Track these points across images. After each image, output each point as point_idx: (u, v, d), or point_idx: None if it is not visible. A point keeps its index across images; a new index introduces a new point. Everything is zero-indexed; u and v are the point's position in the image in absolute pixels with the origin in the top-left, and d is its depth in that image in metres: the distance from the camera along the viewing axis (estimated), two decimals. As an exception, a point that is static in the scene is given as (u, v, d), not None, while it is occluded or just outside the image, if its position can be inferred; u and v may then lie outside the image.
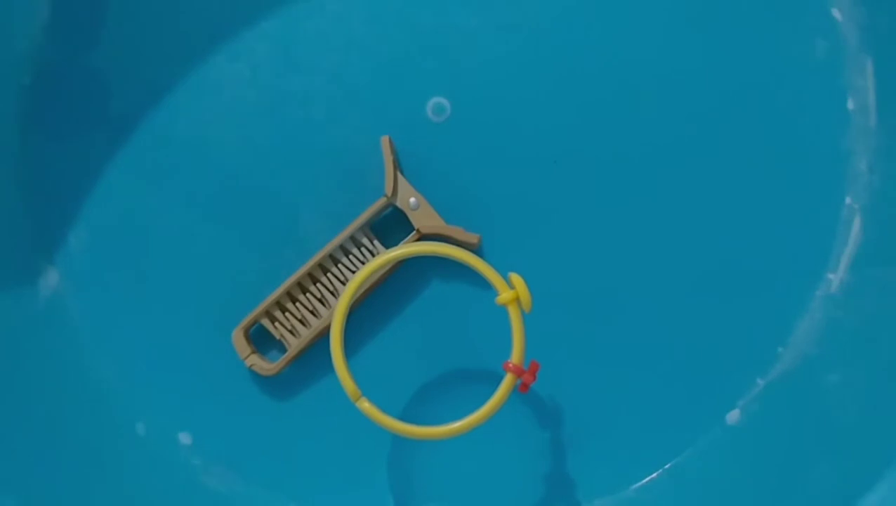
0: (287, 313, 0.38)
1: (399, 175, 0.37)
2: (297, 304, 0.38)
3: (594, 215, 0.38)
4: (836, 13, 0.38)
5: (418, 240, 0.37)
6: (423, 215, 0.37)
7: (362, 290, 0.37)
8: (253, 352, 0.38)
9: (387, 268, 0.37)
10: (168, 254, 0.38)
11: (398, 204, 0.37)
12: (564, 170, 0.38)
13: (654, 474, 0.38)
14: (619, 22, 0.38)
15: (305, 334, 0.38)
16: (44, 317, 0.38)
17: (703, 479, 0.38)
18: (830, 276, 0.38)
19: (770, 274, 0.38)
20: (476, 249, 0.38)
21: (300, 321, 0.38)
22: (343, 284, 0.38)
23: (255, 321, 0.38)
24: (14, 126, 0.38)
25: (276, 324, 0.38)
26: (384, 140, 0.38)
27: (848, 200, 0.38)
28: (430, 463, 0.38)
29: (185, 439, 0.38)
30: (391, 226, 0.38)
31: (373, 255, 0.38)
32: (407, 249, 0.35)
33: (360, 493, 0.38)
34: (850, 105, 0.38)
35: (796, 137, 0.38)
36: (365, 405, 0.35)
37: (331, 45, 0.39)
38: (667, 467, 0.38)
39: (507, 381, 0.34)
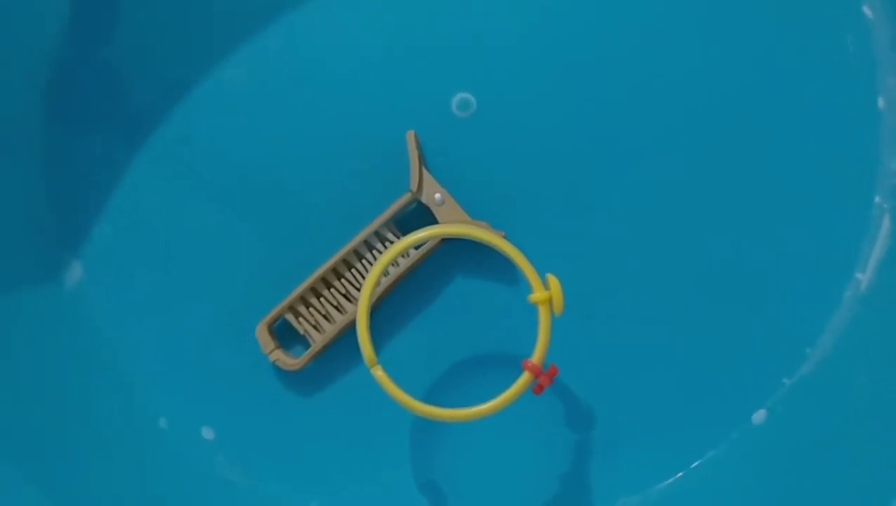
0: (311, 309, 0.38)
1: (424, 170, 0.38)
2: (322, 299, 0.38)
3: (621, 214, 0.39)
4: (867, 11, 0.38)
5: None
6: (448, 211, 0.38)
7: (392, 276, 0.38)
8: (277, 347, 0.38)
9: (426, 246, 0.38)
10: (190, 249, 0.39)
11: (423, 200, 0.38)
12: (591, 167, 0.39)
13: (680, 474, 0.38)
14: (648, 19, 0.39)
15: (329, 330, 0.38)
16: (68, 310, 0.39)
17: (728, 479, 0.38)
18: (859, 276, 0.38)
19: (798, 274, 0.38)
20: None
21: (324, 317, 0.38)
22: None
23: (279, 316, 0.38)
24: (39, 122, 0.39)
25: (300, 319, 0.38)
26: (410, 135, 0.38)
27: (877, 200, 0.38)
28: (453, 461, 0.39)
29: (207, 433, 0.39)
30: (415, 222, 0.38)
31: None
32: (451, 228, 0.35)
33: (383, 489, 0.39)
34: (881, 104, 0.38)
35: (826, 136, 0.38)
36: (378, 373, 0.35)
37: (356, 40, 0.39)
38: (693, 466, 0.38)
39: (524, 379, 0.35)
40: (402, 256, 0.38)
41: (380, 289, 0.38)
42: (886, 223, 0.38)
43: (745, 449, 0.38)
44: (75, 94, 0.39)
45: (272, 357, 0.38)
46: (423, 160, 0.38)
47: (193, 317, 0.39)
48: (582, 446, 0.38)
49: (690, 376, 0.38)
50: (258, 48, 0.39)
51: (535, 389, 0.35)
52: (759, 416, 0.38)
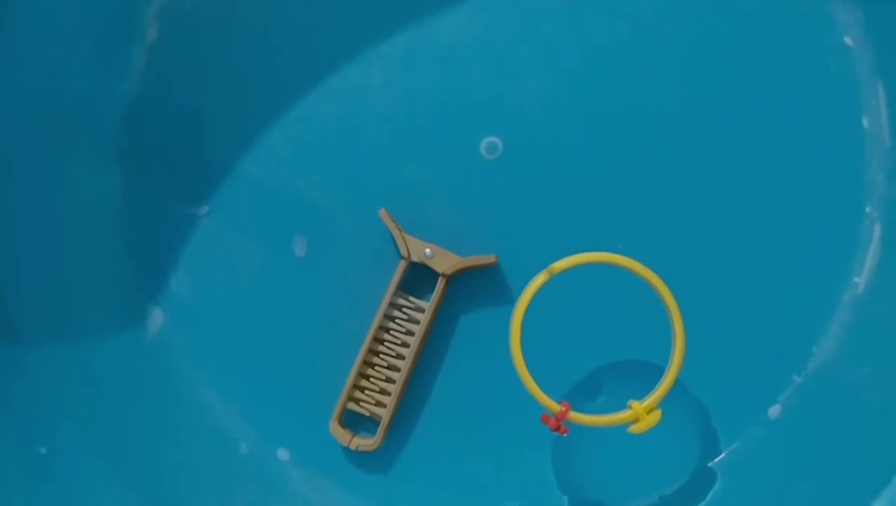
0: (367, 391, 0.40)
1: (407, 236, 0.40)
2: (372, 379, 0.40)
3: (639, 238, 0.40)
4: (847, 40, 0.40)
5: (446, 281, 0.40)
6: (441, 259, 0.39)
7: (420, 333, 0.40)
8: (353, 436, 0.40)
9: (436, 296, 0.40)
10: (258, 290, 0.41)
11: (415, 260, 0.40)
12: (608, 204, 0.40)
13: (704, 467, 0.40)
14: (660, 69, 0.40)
15: (390, 403, 0.40)
16: (152, 352, 0.41)
17: (751, 470, 0.40)
18: (856, 279, 0.40)
19: (802, 279, 0.40)
20: (495, 267, 0.40)
21: (380, 392, 0.40)
22: (400, 345, 0.40)
23: (343, 410, 0.40)
24: (116, 180, 0.41)
25: (362, 404, 0.40)
26: (382, 213, 0.40)
27: (868, 210, 0.40)
28: (512, 460, 0.40)
29: (283, 455, 0.41)
30: (417, 278, 0.40)
31: (413, 312, 0.40)
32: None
33: (448, 491, 0.41)
34: (865, 123, 0.40)
35: (819, 155, 0.40)
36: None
37: (395, 88, 0.41)
38: (717, 460, 0.40)
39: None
40: (419, 311, 0.40)
41: (413, 348, 0.40)
42: (877, 230, 0.40)
43: (764, 442, 0.40)
44: (148, 151, 0.41)
45: (352, 446, 0.40)
46: (401, 229, 0.40)
47: (264, 351, 0.41)
48: (611, 444, 0.40)
49: (711, 377, 0.40)
50: (315, 105, 0.41)
51: (562, 429, 0.36)
52: (775, 410, 0.40)
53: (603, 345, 0.40)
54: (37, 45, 0.40)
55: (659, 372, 0.37)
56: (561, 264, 0.36)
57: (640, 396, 0.37)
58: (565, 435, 0.36)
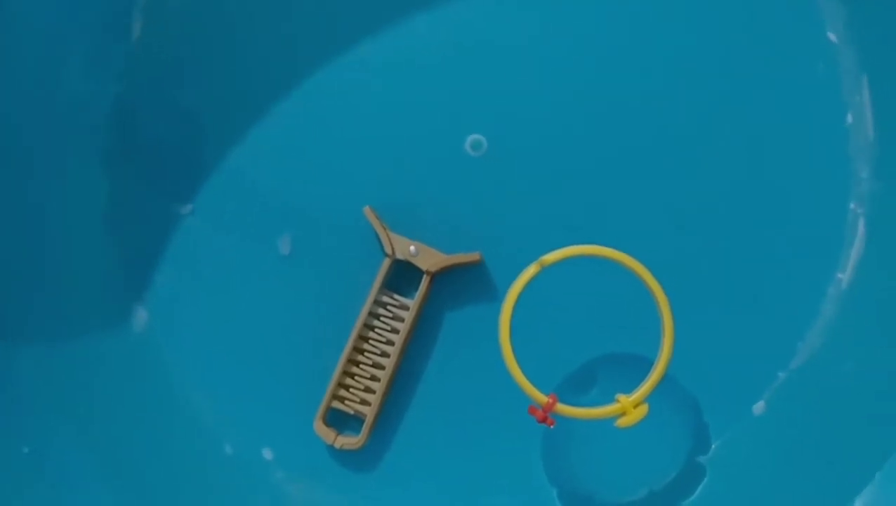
0: (351, 389, 0.40)
1: (391, 233, 0.40)
2: (356, 378, 0.40)
3: (622, 234, 0.40)
4: (831, 36, 0.40)
5: (431, 279, 0.40)
6: (426, 257, 0.39)
7: (404, 331, 0.40)
8: (337, 435, 0.40)
9: (420, 294, 0.40)
10: (242, 288, 0.41)
11: (400, 257, 0.40)
12: (591, 201, 0.40)
13: (693, 462, 0.40)
14: (643, 68, 0.40)
15: (375, 401, 0.40)
16: (137, 351, 0.41)
17: (736, 466, 0.40)
18: (840, 275, 0.40)
19: (786, 276, 0.40)
20: (480, 264, 0.40)
21: (365, 390, 0.40)
22: (385, 343, 0.40)
23: (328, 409, 0.40)
24: (101, 177, 0.41)
25: (346, 402, 0.40)
26: (367, 210, 0.40)
27: (852, 206, 0.40)
28: (499, 457, 0.41)
29: (267, 454, 0.41)
30: (402, 276, 0.41)
31: (398, 309, 0.40)
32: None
33: (434, 489, 0.41)
34: (849, 119, 0.40)
35: (804, 152, 0.40)
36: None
37: (381, 85, 0.41)
38: (703, 456, 0.40)
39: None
40: (404, 309, 0.40)
41: (398, 346, 0.40)
42: (861, 227, 0.40)
43: (749, 438, 0.40)
44: (133, 149, 0.41)
45: (337, 445, 0.40)
46: (386, 226, 0.40)
47: (249, 350, 0.41)
48: (599, 440, 0.40)
49: (696, 375, 0.40)
50: (300, 103, 0.41)
51: (548, 422, 0.36)
52: (759, 407, 0.40)
53: (593, 339, 0.40)
54: (23, 44, 0.40)
55: (651, 365, 0.37)
56: (552, 256, 0.36)
57: (632, 389, 0.37)
58: (552, 427, 0.36)
